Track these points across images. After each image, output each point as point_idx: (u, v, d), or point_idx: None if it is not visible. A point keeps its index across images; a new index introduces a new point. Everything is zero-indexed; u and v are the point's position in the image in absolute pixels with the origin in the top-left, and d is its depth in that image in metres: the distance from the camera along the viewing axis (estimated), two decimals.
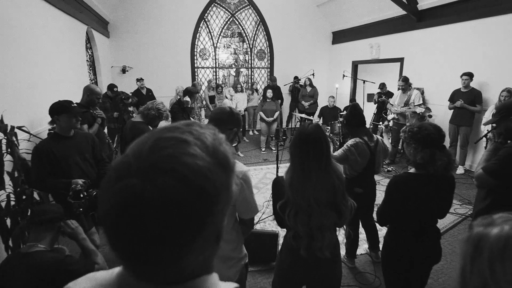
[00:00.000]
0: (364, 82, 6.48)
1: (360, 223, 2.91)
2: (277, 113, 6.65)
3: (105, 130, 3.81)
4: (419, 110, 5.41)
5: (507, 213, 0.62)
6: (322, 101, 7.66)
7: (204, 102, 7.27)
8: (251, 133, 8.64)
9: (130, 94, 6.69)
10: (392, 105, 5.89)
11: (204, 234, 0.41)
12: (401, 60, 6.91)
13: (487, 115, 4.67)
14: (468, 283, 0.61)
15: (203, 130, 0.46)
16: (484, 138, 3.65)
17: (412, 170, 1.66)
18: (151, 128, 2.78)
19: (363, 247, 3.09)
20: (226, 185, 0.43)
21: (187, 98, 4.02)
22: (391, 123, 5.90)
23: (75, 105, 2.39)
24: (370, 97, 7.40)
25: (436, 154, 1.51)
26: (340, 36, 9.12)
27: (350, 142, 2.49)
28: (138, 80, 6.91)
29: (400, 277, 1.72)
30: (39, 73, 3.55)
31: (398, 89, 6.00)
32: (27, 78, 3.25)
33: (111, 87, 5.44)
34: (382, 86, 6.69)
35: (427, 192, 1.58)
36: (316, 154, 1.37)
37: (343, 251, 2.97)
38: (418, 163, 1.56)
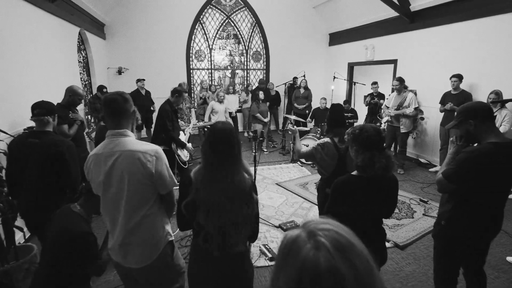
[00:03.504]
0: (354, 84, 6.44)
1: None
2: (269, 114, 6.73)
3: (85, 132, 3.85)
4: (409, 111, 5.31)
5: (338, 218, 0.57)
6: (317, 103, 7.62)
7: (194, 103, 7.31)
8: (245, 134, 8.64)
9: None
10: (388, 107, 5.74)
11: None
12: (394, 62, 6.85)
13: None
14: None
15: None
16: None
17: (354, 172, 1.64)
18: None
19: None
20: None
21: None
22: (384, 126, 5.79)
23: None
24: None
25: (375, 156, 1.50)
26: (336, 38, 9.08)
27: (319, 141, 2.52)
28: (138, 80, 6.93)
29: None
30: (25, 74, 3.61)
31: (392, 90, 5.88)
32: (12, 79, 3.32)
33: (101, 88, 5.51)
34: (375, 83, 6.57)
35: (367, 193, 1.58)
36: (225, 151, 1.37)
37: None
38: (358, 165, 1.55)
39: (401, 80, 5.44)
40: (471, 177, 1.68)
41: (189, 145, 4.05)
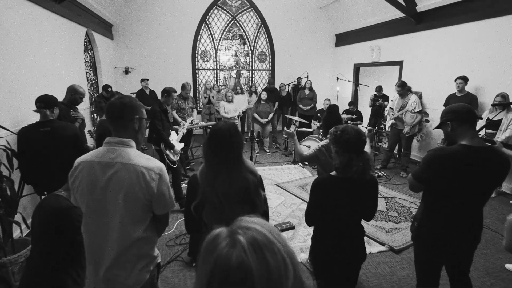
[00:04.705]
0: (358, 85, 6.38)
1: None
2: (271, 115, 6.71)
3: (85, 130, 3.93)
4: (409, 115, 5.21)
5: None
6: (322, 104, 7.58)
7: (199, 102, 7.36)
8: (249, 134, 8.65)
9: (132, 95, 6.90)
10: (392, 108, 5.63)
11: None
12: (400, 63, 6.75)
13: (480, 121, 4.48)
14: None
15: None
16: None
17: (333, 172, 1.64)
18: None
19: None
20: None
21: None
22: (388, 129, 5.72)
23: None
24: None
25: (353, 160, 1.50)
26: (342, 39, 9.02)
27: (322, 142, 2.49)
28: (142, 80, 7.06)
29: (327, 277, 1.70)
30: (32, 74, 3.72)
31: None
32: (19, 79, 3.42)
33: (106, 87, 5.62)
34: (379, 89, 6.54)
35: (345, 194, 1.58)
36: (224, 150, 1.37)
37: (306, 254, 2.94)
38: (336, 167, 1.56)
39: (403, 85, 5.28)
40: (436, 176, 1.64)
41: (178, 147, 4.05)
